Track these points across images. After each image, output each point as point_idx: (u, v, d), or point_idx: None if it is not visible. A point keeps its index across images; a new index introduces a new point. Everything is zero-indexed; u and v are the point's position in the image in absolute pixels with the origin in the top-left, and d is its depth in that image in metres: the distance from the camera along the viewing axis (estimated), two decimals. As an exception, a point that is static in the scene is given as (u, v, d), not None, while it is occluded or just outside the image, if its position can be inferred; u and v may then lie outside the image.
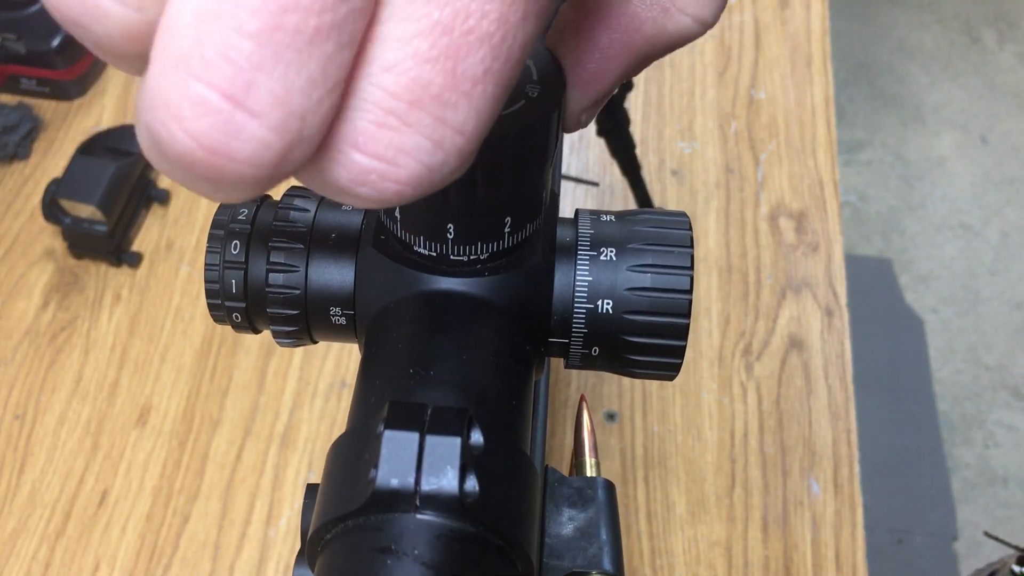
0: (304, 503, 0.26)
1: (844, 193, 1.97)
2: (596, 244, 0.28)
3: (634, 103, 0.86)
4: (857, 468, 0.69)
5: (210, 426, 0.68)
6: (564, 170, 0.81)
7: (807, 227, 0.79)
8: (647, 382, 0.71)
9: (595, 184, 0.81)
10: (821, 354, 0.73)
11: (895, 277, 1.85)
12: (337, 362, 0.71)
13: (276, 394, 0.70)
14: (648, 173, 0.81)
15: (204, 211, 0.78)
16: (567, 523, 0.29)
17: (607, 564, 0.28)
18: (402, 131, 0.16)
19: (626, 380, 0.71)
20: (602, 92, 0.25)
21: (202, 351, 0.71)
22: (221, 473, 0.67)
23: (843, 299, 0.76)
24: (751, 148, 0.83)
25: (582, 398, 0.35)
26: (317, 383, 0.70)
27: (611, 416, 0.70)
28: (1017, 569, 1.01)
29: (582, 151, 0.83)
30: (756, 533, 0.66)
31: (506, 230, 0.26)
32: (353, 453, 0.22)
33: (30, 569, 0.63)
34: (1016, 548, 1.01)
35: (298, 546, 0.65)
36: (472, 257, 0.26)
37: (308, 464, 0.67)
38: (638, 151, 0.72)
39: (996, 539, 1.04)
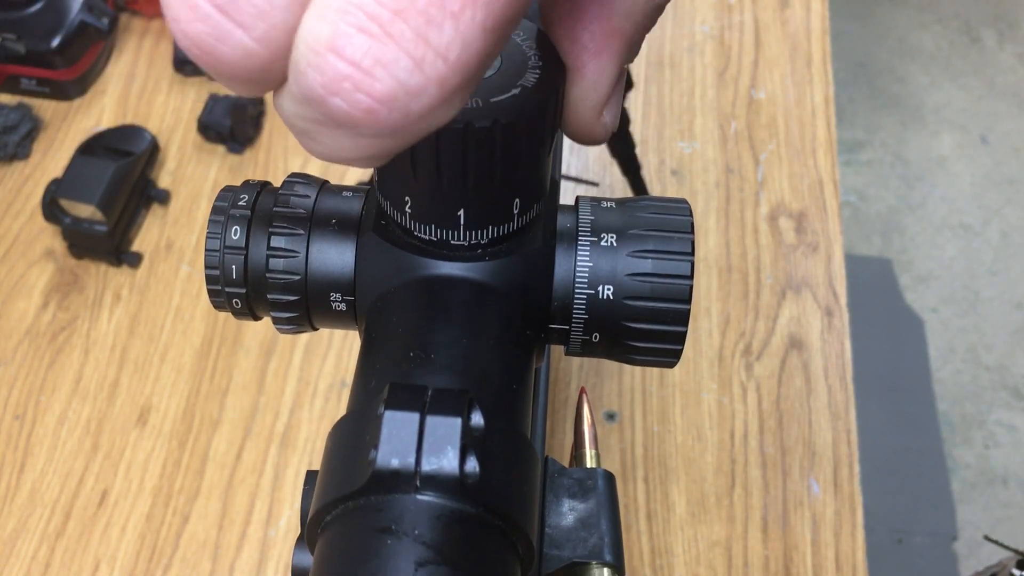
0: (304, 489, 0.26)
1: (844, 193, 1.97)
2: (597, 230, 0.28)
3: (634, 103, 0.86)
4: (857, 468, 0.69)
5: (210, 426, 0.68)
6: (564, 170, 0.81)
7: (807, 227, 0.79)
8: (647, 382, 0.71)
9: (595, 184, 0.81)
10: (821, 354, 0.73)
11: (895, 277, 1.85)
12: (337, 362, 0.71)
13: (276, 394, 0.70)
14: (648, 173, 0.81)
15: (204, 211, 0.78)
16: (567, 514, 0.29)
17: (607, 555, 0.28)
18: (383, 40, 0.16)
19: (626, 379, 0.71)
20: (614, 76, 0.24)
21: (202, 351, 0.71)
22: (221, 473, 0.67)
23: (843, 299, 0.76)
24: (751, 148, 0.83)
25: (582, 390, 0.35)
26: (317, 383, 0.70)
27: (611, 416, 0.70)
28: (1017, 572, 1.00)
29: (582, 151, 0.83)
30: (756, 533, 0.65)
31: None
32: (353, 434, 0.22)
33: (30, 569, 0.63)
34: (1016, 552, 1.01)
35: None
36: (473, 242, 0.26)
37: (308, 464, 0.67)
38: (638, 151, 0.72)
39: (996, 543, 1.03)
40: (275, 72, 0.17)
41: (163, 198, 0.78)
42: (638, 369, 0.72)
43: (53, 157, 0.81)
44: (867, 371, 1.67)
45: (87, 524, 0.65)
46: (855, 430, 0.70)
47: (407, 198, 0.26)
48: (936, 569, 1.54)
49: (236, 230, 0.28)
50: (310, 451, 0.68)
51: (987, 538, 1.05)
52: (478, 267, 0.27)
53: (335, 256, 0.28)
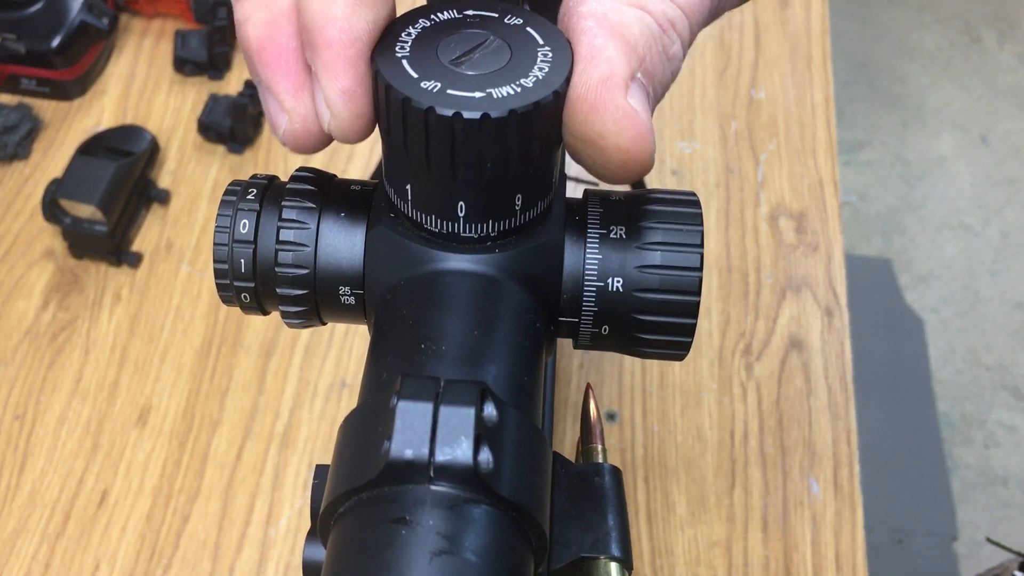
0: (313, 484, 0.26)
1: (844, 193, 1.97)
2: (606, 222, 0.28)
3: (634, 103, 0.85)
4: (857, 468, 0.68)
5: (210, 426, 0.68)
6: (564, 169, 0.81)
7: (807, 227, 0.79)
8: (647, 382, 0.71)
9: (595, 184, 0.81)
10: (821, 354, 0.73)
11: (895, 277, 1.85)
12: (337, 362, 0.71)
13: (276, 394, 0.70)
14: (648, 173, 0.81)
15: (204, 211, 0.78)
16: (575, 508, 0.29)
17: (615, 549, 0.28)
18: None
19: (626, 380, 0.71)
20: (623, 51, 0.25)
21: (202, 351, 0.71)
22: (221, 473, 0.66)
23: (843, 299, 0.76)
24: (751, 148, 0.83)
25: (588, 386, 0.35)
26: (317, 383, 0.70)
27: (611, 416, 0.70)
28: (1019, 575, 1.00)
29: (582, 151, 0.83)
30: (756, 533, 0.65)
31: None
32: (366, 426, 0.22)
33: (30, 569, 0.63)
34: (1018, 554, 1.01)
35: (298, 546, 0.65)
36: (482, 235, 0.26)
37: (308, 464, 0.67)
38: (638, 150, 0.72)
39: (998, 544, 1.03)
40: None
41: (163, 198, 0.78)
42: (638, 369, 0.71)
43: (53, 157, 0.80)
44: (867, 371, 1.67)
45: (87, 524, 0.64)
46: (855, 430, 0.70)
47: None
48: (936, 569, 1.54)
49: (245, 224, 0.28)
50: (310, 451, 0.68)
51: (989, 540, 1.05)
52: (488, 259, 0.27)
53: (344, 249, 0.28)
